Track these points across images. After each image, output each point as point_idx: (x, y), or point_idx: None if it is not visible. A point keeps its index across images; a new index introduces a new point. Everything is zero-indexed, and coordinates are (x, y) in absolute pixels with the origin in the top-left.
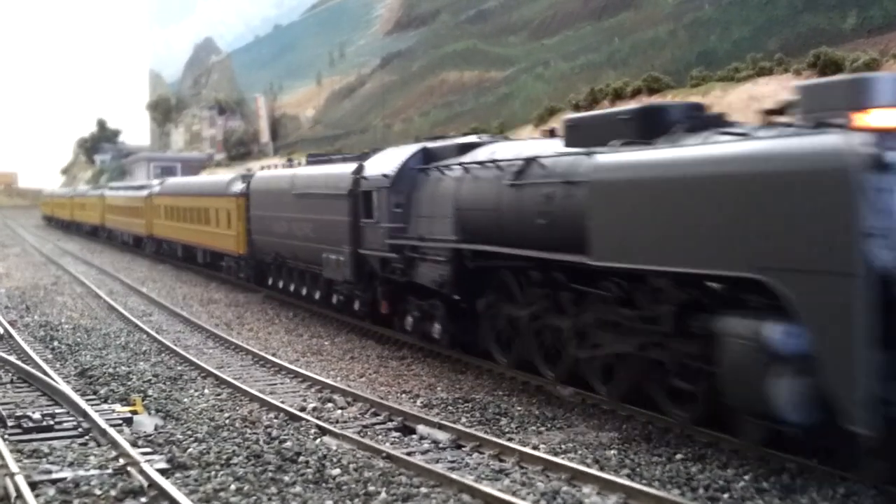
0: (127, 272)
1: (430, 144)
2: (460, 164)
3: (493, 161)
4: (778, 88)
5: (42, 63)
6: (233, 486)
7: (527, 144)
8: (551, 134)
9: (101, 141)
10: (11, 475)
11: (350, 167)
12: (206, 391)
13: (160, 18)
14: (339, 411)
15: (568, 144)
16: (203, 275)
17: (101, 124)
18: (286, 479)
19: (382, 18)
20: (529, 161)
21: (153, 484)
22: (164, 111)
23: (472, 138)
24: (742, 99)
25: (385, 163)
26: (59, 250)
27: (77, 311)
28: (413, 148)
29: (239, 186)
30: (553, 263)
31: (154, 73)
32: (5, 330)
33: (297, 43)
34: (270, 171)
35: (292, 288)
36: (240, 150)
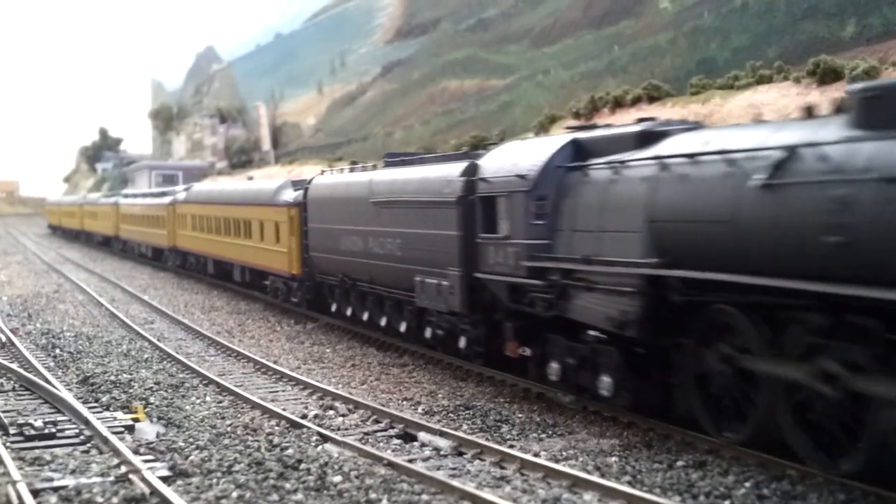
0: (129, 280)
1: (581, 135)
2: (651, 158)
3: (720, 152)
4: (777, 96)
5: (44, 72)
6: (234, 494)
7: (765, 129)
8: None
9: (102, 149)
10: (13, 483)
11: (456, 167)
12: (208, 399)
13: (161, 27)
14: (341, 419)
15: (864, 125)
16: (205, 283)
17: (103, 133)
18: (288, 486)
19: (383, 27)
20: (794, 150)
21: (155, 491)
22: (166, 119)
23: (648, 124)
24: (742, 106)
25: (516, 160)
26: (60, 258)
27: (79, 318)
28: (557, 141)
29: (291, 194)
30: (855, 303)
31: (155, 81)
32: (7, 338)
33: (298, 51)
34: (334, 175)
35: (365, 317)
36: (241, 158)
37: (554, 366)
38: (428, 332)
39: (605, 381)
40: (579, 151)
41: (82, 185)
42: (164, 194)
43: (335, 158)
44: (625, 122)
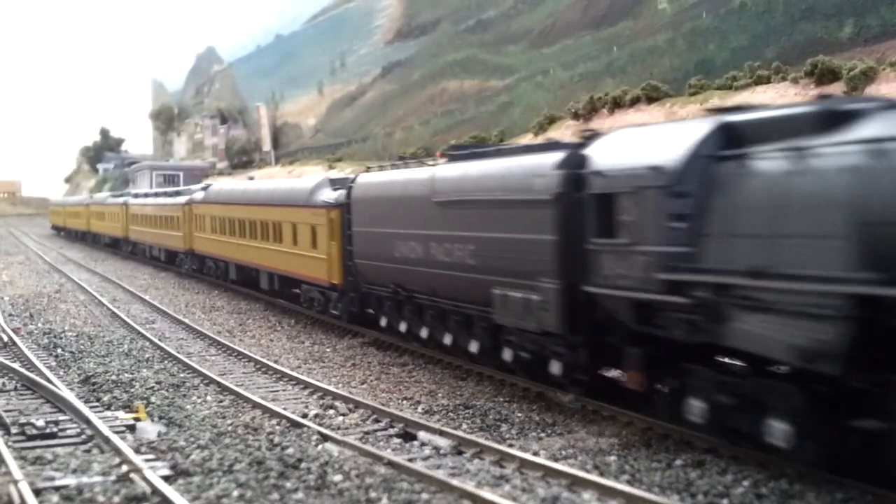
0: (130, 280)
1: (734, 118)
2: (855, 142)
3: None
4: (776, 96)
5: (45, 72)
6: (235, 493)
7: None
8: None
9: (104, 150)
10: (15, 482)
11: (549, 159)
12: (209, 398)
13: (162, 28)
14: (341, 418)
15: None
16: (205, 282)
17: (105, 133)
18: (288, 485)
19: (383, 28)
20: None
21: (156, 491)
22: (167, 120)
23: (831, 102)
24: None
25: (646, 149)
26: (62, 258)
27: (80, 318)
28: (701, 125)
29: (330, 194)
30: None
31: (156, 82)
32: (9, 337)
33: (298, 52)
34: (384, 172)
35: (424, 334)
36: (242, 158)
37: (696, 404)
38: (507, 354)
39: (779, 427)
40: (730, 137)
41: (84, 185)
42: (178, 193)
43: (335, 159)
44: (623, 122)
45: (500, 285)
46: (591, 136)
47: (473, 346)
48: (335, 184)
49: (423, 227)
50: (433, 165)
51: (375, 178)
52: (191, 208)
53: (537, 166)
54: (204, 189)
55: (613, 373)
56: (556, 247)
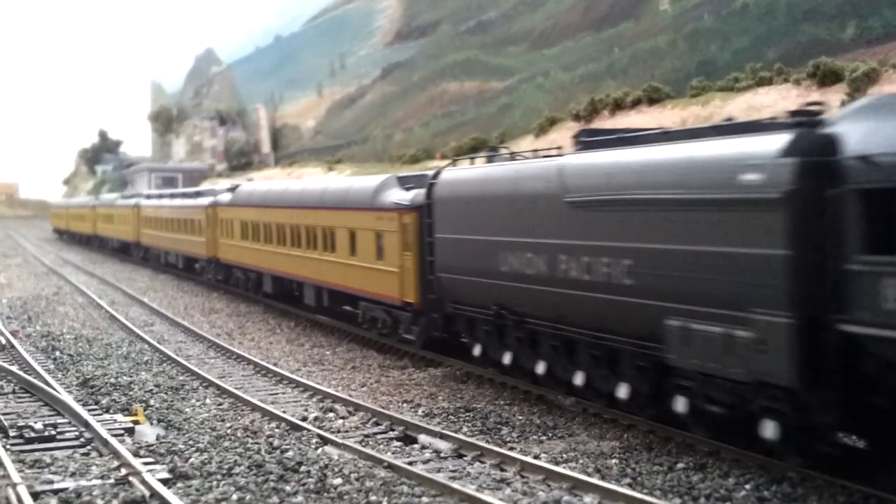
0: (129, 282)
1: None
2: None
3: None
4: (778, 98)
5: (43, 74)
6: (234, 496)
7: None
8: None
9: (102, 151)
10: (13, 485)
11: (768, 142)
12: (208, 401)
13: (161, 30)
14: (341, 421)
15: None
16: (205, 285)
17: (103, 135)
18: (288, 488)
19: (383, 29)
20: None
21: (155, 494)
22: (165, 122)
23: None
24: (742, 109)
25: None
26: (60, 261)
27: (79, 321)
28: None
29: (402, 195)
30: None
31: (155, 83)
32: (7, 340)
33: (297, 54)
34: (480, 167)
35: (541, 369)
36: (241, 160)
37: None
38: (680, 405)
39: None
40: None
41: (82, 187)
42: (199, 194)
43: (335, 161)
44: (625, 124)
45: (678, 315)
46: (815, 111)
47: (622, 391)
48: (406, 182)
49: (546, 235)
50: (557, 156)
51: (469, 174)
52: (215, 211)
53: (749, 154)
54: (231, 190)
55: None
56: (789, 265)
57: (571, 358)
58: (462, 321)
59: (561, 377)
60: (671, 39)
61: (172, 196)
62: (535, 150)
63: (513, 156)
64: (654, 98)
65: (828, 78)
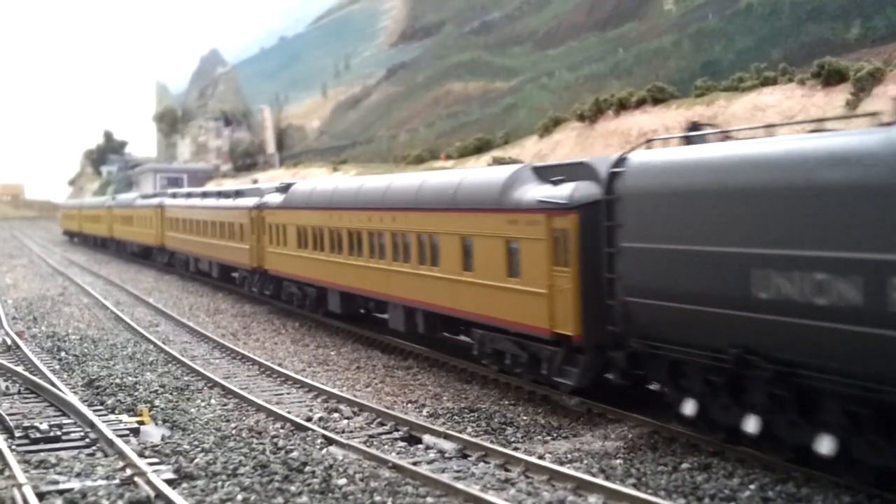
0: (134, 283)
1: None
2: None
3: None
4: (782, 98)
5: (49, 75)
6: (239, 497)
7: None
8: None
9: (107, 152)
10: (19, 486)
11: None
12: (213, 401)
13: (166, 31)
14: (346, 421)
15: None
16: (210, 285)
17: (108, 136)
18: (292, 489)
19: (387, 30)
20: None
21: (160, 494)
22: (171, 122)
23: None
24: (746, 108)
25: None
26: (65, 261)
27: (84, 321)
28: None
29: (551, 191)
30: None
31: (160, 84)
32: (13, 341)
33: (302, 54)
34: (702, 148)
35: (827, 448)
36: (246, 161)
37: None
38: None
39: None
40: None
41: (87, 187)
42: (239, 194)
43: (340, 161)
44: (629, 125)
45: None
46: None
47: None
48: (547, 173)
49: (860, 247)
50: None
51: (691, 156)
52: (261, 215)
53: None
54: (282, 190)
55: None
56: None
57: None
58: (660, 365)
59: (868, 460)
60: (675, 39)
61: (205, 195)
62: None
63: (726, 135)
64: (658, 98)
65: (832, 78)
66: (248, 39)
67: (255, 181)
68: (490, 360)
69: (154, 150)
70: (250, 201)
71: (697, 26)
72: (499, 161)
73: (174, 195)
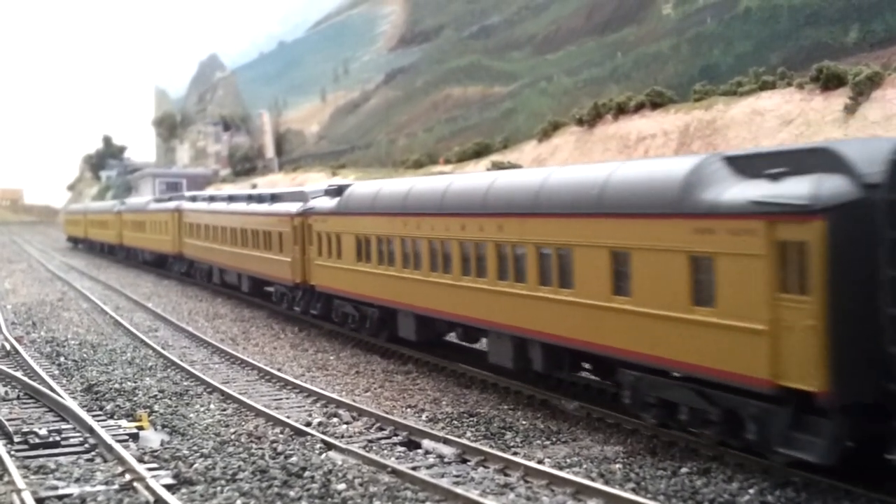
0: (133, 288)
1: None
2: None
3: None
4: (781, 102)
5: (48, 80)
6: (239, 502)
7: None
8: None
9: (106, 157)
10: (18, 491)
11: None
12: (212, 406)
13: (165, 36)
14: (345, 426)
15: None
16: (209, 290)
17: (107, 141)
18: (292, 494)
19: (386, 35)
20: None
21: (159, 499)
22: (170, 127)
23: None
24: (745, 113)
25: None
26: (65, 266)
27: (83, 326)
28: None
29: (782, 188)
30: None
31: (159, 89)
32: (12, 346)
33: (301, 59)
34: None
35: None
36: (245, 165)
37: None
38: None
39: None
40: None
41: (87, 192)
42: (276, 198)
43: (339, 166)
44: (628, 129)
45: None
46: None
47: None
48: (754, 166)
49: None
50: None
51: None
52: (307, 222)
53: None
54: (333, 193)
55: None
56: None
57: None
58: None
59: None
60: (674, 44)
61: (231, 199)
62: None
63: None
64: (657, 102)
65: (831, 82)
66: (247, 44)
67: (255, 186)
68: (651, 412)
69: (153, 154)
70: (292, 207)
71: (696, 31)
72: (498, 166)
73: (194, 198)
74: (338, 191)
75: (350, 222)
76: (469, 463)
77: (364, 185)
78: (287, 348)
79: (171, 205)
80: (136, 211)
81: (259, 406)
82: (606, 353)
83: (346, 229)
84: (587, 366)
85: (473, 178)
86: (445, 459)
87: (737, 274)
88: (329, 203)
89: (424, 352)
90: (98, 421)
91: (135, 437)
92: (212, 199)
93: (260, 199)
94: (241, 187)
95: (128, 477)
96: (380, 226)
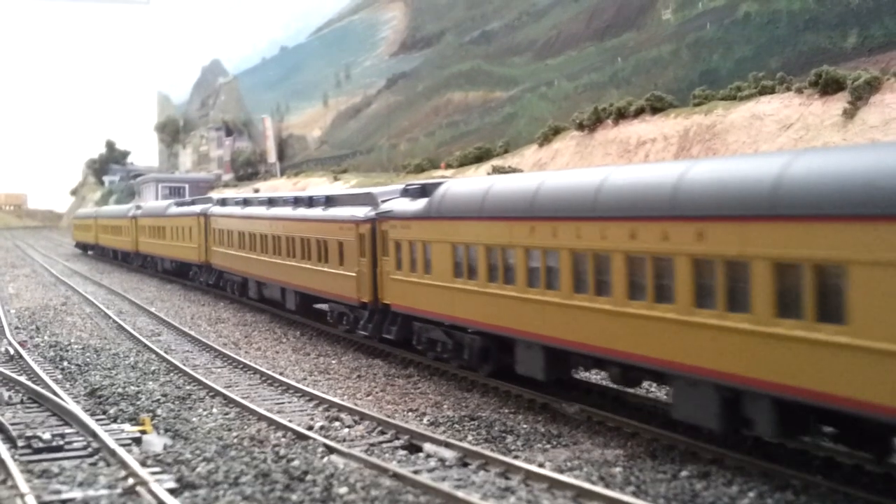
0: (136, 292)
1: None
2: None
3: None
4: (780, 107)
5: (51, 85)
6: None
7: None
8: None
9: (109, 162)
10: (22, 496)
11: None
12: (215, 410)
13: (168, 41)
14: (347, 430)
15: None
16: (211, 294)
17: (110, 146)
18: (294, 498)
19: (388, 40)
20: None
21: None
22: (172, 132)
23: None
24: (744, 117)
25: None
26: (68, 271)
27: (86, 331)
28: None
29: None
30: None
31: (162, 94)
32: (15, 350)
33: (303, 64)
34: None
35: None
36: (247, 170)
37: None
38: None
39: None
40: None
41: (90, 197)
42: (332, 201)
43: (341, 170)
44: (628, 133)
45: None
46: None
47: None
48: None
49: None
50: None
51: None
52: (381, 229)
53: None
54: (414, 194)
55: None
56: None
57: None
58: None
59: None
60: (674, 49)
61: (271, 203)
62: None
63: None
64: (657, 107)
65: (829, 86)
66: (249, 50)
67: (257, 190)
68: None
69: (156, 159)
70: (358, 211)
71: (696, 35)
72: (498, 170)
73: (223, 202)
74: (421, 190)
75: (445, 229)
76: (470, 467)
77: (465, 184)
78: (289, 352)
79: (197, 208)
80: (155, 215)
81: (261, 410)
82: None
83: (437, 237)
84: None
85: (647, 171)
86: (446, 463)
87: None
88: (412, 206)
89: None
90: (101, 425)
91: (138, 441)
92: (246, 202)
93: (310, 202)
94: (244, 192)
95: (131, 481)
96: (492, 233)
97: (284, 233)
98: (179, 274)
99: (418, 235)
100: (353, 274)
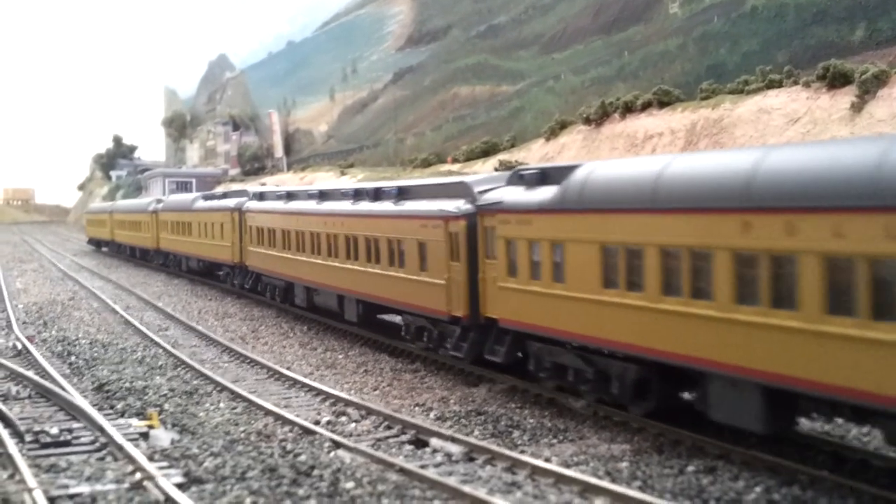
0: (143, 287)
1: None
2: None
3: None
4: (787, 100)
5: (59, 80)
6: (248, 500)
7: None
8: None
9: (117, 157)
10: (30, 490)
11: None
12: (222, 405)
13: (174, 36)
14: (353, 424)
15: None
16: (218, 289)
17: (117, 140)
18: (301, 492)
19: (394, 34)
20: None
21: (169, 498)
22: (179, 127)
23: None
24: (752, 111)
25: None
26: (76, 266)
27: (94, 326)
28: None
29: None
30: None
31: (169, 89)
32: (23, 345)
33: (310, 59)
34: None
35: None
36: (254, 165)
37: None
38: None
39: None
40: None
41: (97, 192)
42: (404, 193)
43: (347, 165)
44: (635, 127)
45: None
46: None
47: None
48: None
49: None
50: None
51: None
52: (483, 225)
53: None
54: (533, 182)
55: None
56: None
57: None
58: None
59: None
60: (681, 43)
61: (323, 196)
62: None
63: None
64: (664, 101)
65: (837, 80)
66: (256, 44)
67: (263, 184)
68: None
69: (163, 154)
70: (447, 205)
71: (703, 29)
72: (506, 165)
73: (261, 196)
74: (542, 176)
75: (590, 224)
76: (476, 461)
77: (619, 166)
78: (296, 347)
79: (230, 203)
80: (179, 210)
81: (268, 405)
82: None
83: (577, 235)
84: None
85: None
86: (453, 458)
87: None
88: (532, 195)
89: (431, 350)
90: (109, 420)
91: (145, 435)
92: (290, 196)
93: (377, 194)
94: (251, 186)
95: (138, 476)
96: (674, 230)
97: (344, 231)
98: (206, 274)
99: (544, 233)
100: (441, 282)
